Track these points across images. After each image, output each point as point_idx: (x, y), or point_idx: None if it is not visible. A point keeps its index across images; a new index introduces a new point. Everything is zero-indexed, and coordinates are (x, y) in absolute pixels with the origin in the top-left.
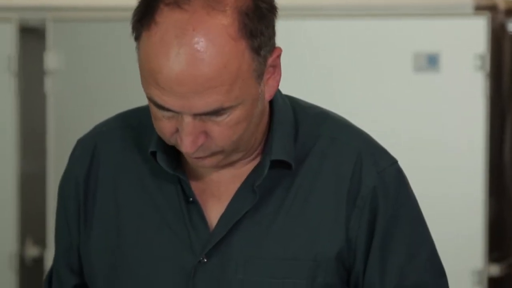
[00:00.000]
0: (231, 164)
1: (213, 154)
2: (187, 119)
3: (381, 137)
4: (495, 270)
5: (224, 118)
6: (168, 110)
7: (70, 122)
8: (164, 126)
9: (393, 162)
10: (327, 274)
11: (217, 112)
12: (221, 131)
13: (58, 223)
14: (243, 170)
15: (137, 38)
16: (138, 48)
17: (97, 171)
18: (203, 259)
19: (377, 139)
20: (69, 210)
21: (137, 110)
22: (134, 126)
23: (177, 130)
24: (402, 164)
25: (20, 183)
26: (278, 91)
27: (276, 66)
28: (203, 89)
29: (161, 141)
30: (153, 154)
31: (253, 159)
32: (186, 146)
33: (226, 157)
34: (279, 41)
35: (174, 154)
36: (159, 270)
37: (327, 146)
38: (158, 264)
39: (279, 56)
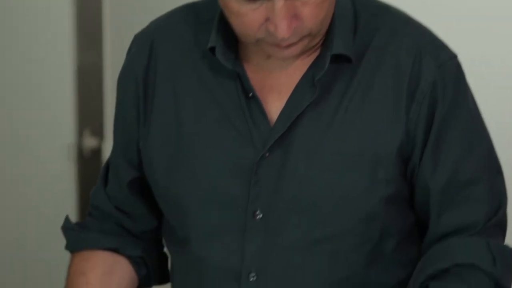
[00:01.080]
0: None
1: (302, 38)
2: (279, 4)
3: (442, 29)
4: None
5: None
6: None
7: (127, 13)
8: (250, 19)
9: (453, 56)
10: (388, 169)
11: None
12: (310, 10)
13: (117, 118)
14: (304, 62)
15: None
16: None
17: (155, 66)
18: (265, 153)
19: (438, 32)
20: (128, 105)
21: (193, 5)
22: (191, 21)
23: (265, 20)
24: (468, 58)
25: (78, 75)
26: None
27: None
28: None
29: (219, 36)
30: (212, 49)
31: (314, 51)
32: (283, 30)
33: (310, 41)
34: None
35: (232, 49)
36: (220, 163)
37: (386, 40)
38: (219, 157)
39: None
